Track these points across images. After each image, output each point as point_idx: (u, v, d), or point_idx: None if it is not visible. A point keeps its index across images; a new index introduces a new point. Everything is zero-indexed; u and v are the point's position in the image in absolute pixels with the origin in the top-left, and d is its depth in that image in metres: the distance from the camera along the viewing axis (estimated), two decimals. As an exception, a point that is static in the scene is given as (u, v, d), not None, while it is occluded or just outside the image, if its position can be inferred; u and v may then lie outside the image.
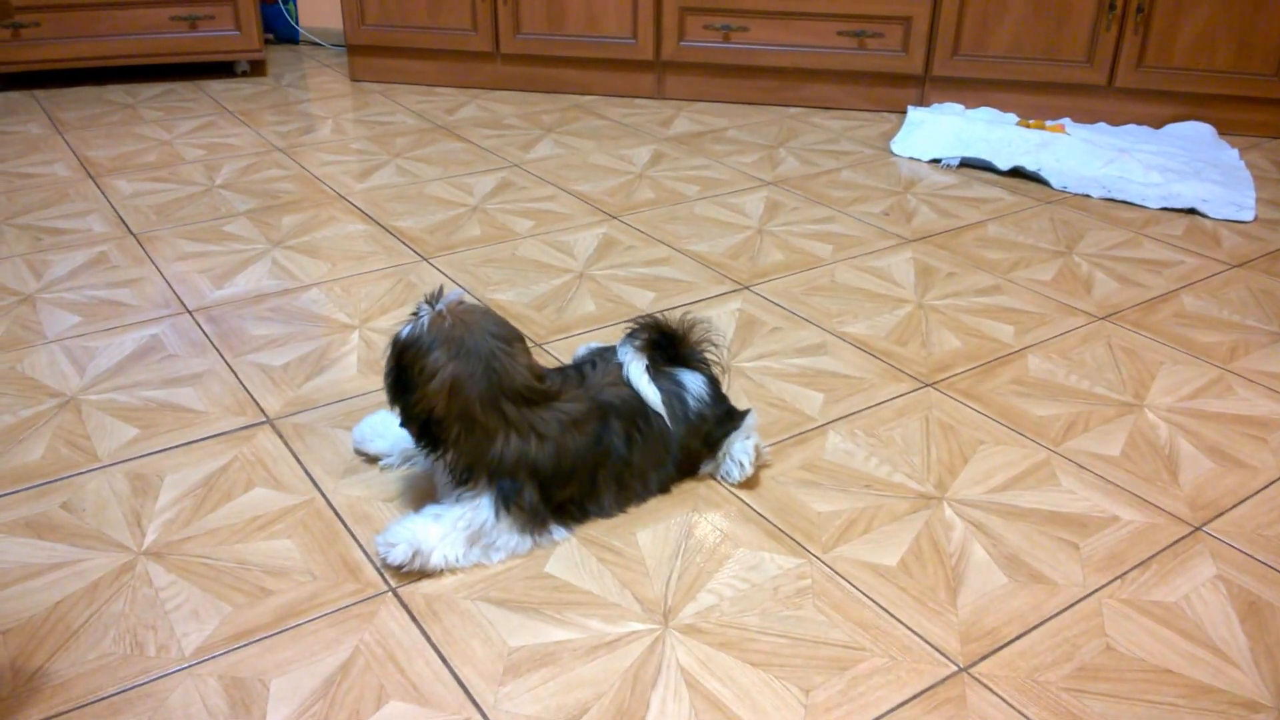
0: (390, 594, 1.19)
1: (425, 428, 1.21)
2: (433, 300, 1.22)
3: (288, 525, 1.30)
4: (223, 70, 3.53)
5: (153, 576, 1.21)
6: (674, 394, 1.33)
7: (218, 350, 1.72)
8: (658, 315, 1.36)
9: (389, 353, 1.24)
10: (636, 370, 1.30)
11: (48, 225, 2.23)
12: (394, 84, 3.43)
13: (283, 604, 1.17)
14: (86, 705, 1.04)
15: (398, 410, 1.24)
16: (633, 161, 2.70)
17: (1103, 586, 1.22)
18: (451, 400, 1.18)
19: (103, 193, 2.42)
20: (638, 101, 3.28)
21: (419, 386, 1.18)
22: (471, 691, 1.06)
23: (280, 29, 3.98)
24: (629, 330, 1.34)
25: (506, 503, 1.22)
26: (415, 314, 1.22)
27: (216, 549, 1.26)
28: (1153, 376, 1.69)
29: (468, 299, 1.24)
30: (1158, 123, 2.98)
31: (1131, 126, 2.96)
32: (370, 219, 2.29)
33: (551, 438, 1.22)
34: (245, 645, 1.11)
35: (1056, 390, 1.64)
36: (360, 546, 1.27)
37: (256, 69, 3.54)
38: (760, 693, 1.06)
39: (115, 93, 3.27)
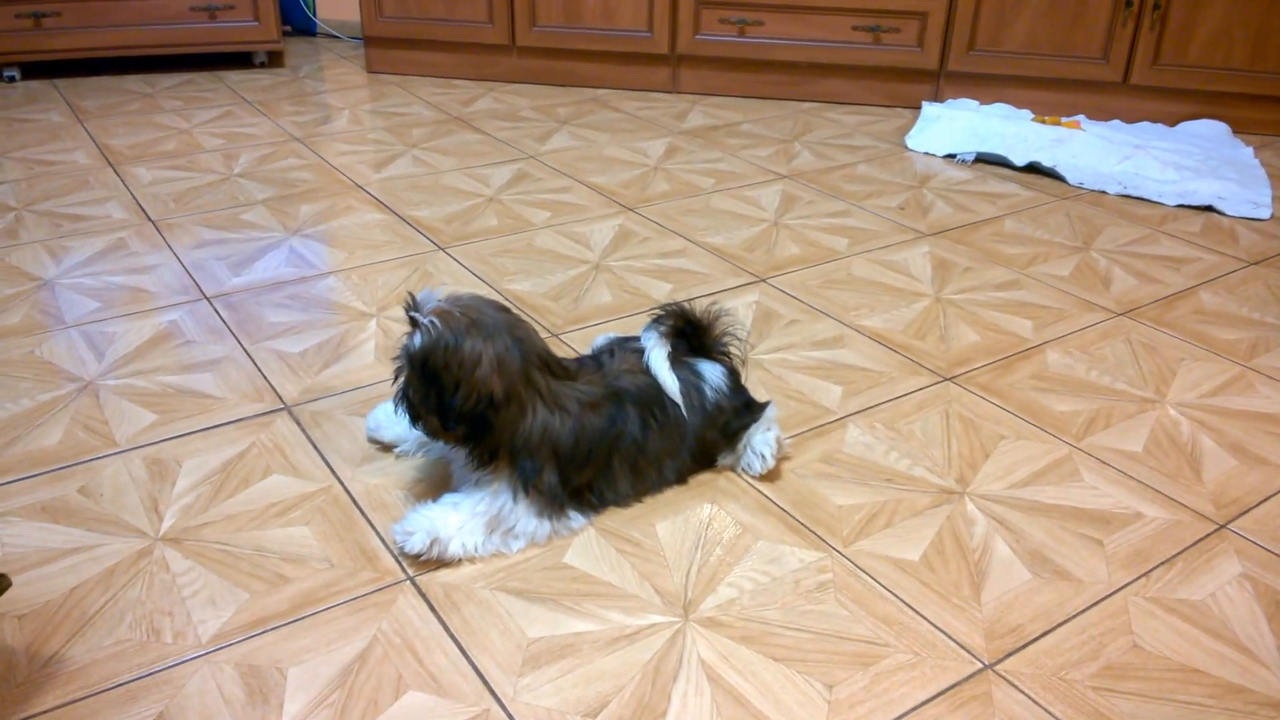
0: (408, 583, 1.18)
1: (478, 420, 1.17)
2: (413, 309, 1.18)
3: (305, 512, 1.29)
4: (241, 61, 3.53)
5: (170, 562, 1.20)
6: (692, 384, 1.32)
7: (235, 337, 1.72)
8: (684, 304, 1.35)
9: (406, 372, 1.19)
10: (658, 357, 1.29)
11: (67, 212, 2.23)
12: (410, 76, 3.42)
13: (300, 591, 1.16)
14: (102, 692, 1.03)
15: (436, 420, 1.19)
16: (648, 154, 2.69)
17: (1128, 584, 1.21)
18: (502, 377, 1.17)
19: (122, 180, 2.42)
20: (653, 95, 3.26)
21: (465, 379, 1.15)
22: (490, 682, 1.05)
23: (298, 21, 3.98)
24: (654, 316, 1.33)
25: (525, 484, 1.21)
26: (414, 325, 1.18)
27: (234, 535, 1.25)
28: (1173, 373, 1.68)
29: (436, 296, 1.20)
30: (1172, 120, 2.96)
31: (1146, 124, 2.94)
32: (387, 208, 2.28)
33: (573, 414, 1.22)
34: (262, 633, 1.11)
35: (1077, 386, 1.63)
36: (378, 534, 1.26)
37: (274, 60, 3.54)
38: (783, 688, 1.05)
39: (135, 82, 3.27)
